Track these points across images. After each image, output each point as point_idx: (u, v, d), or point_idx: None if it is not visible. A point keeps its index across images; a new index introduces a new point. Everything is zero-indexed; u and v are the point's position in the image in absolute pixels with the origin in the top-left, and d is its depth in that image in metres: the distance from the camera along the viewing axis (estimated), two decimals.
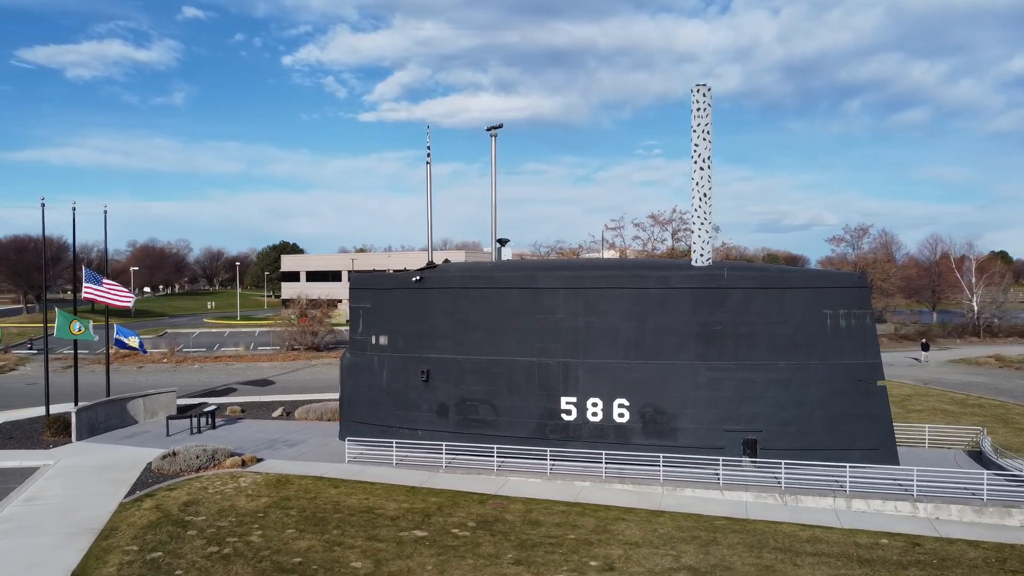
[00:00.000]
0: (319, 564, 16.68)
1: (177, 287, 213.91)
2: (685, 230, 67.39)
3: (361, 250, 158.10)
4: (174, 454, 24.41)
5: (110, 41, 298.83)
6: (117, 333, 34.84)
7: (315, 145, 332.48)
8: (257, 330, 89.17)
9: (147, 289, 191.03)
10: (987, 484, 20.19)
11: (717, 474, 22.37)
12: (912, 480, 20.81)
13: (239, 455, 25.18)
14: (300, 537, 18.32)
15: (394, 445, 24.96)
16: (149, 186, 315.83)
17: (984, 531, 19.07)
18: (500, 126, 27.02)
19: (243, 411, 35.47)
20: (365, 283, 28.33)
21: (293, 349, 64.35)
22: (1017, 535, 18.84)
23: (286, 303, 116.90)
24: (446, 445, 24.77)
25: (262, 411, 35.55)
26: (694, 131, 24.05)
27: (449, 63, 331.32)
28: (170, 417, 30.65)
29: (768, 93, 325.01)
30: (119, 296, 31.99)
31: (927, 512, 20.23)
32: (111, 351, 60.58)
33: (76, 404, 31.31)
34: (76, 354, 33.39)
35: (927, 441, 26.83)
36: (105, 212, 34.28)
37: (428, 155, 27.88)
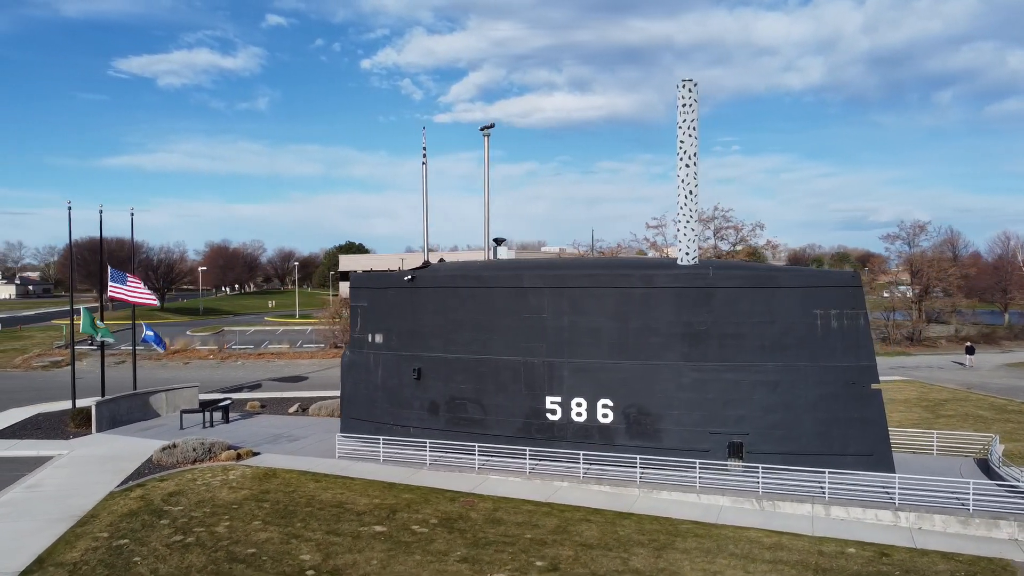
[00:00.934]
0: (270, 555, 17.15)
1: (251, 286, 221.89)
2: (728, 228, 66.08)
3: (454, 249, 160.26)
4: (174, 446, 25.41)
5: (199, 50, 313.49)
6: (146, 330, 36.41)
7: (392, 147, 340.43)
8: (309, 328, 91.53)
9: (225, 288, 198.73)
10: (973, 494, 19.16)
11: (696, 477, 21.90)
12: (894, 487, 19.92)
13: (237, 448, 26.02)
14: (263, 529, 18.86)
15: (381, 442, 25.36)
16: (234, 189, 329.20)
17: (966, 543, 18.11)
18: (492, 126, 27.11)
19: (263, 406, 36.59)
20: (363, 282, 28.83)
21: (336, 347, 65.85)
22: (1001, 548, 17.83)
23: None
24: (430, 443, 24.98)
25: (281, 407, 36.59)
26: (680, 127, 23.59)
27: (523, 63, 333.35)
28: (184, 411, 31.85)
29: (852, 86, 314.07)
30: (142, 295, 33.45)
31: (909, 522, 19.35)
32: (168, 348, 63.35)
33: (103, 396, 32.97)
34: (103, 351, 35.02)
35: (935, 448, 25.59)
36: (132, 215, 35.96)
37: (424, 155, 28.19)
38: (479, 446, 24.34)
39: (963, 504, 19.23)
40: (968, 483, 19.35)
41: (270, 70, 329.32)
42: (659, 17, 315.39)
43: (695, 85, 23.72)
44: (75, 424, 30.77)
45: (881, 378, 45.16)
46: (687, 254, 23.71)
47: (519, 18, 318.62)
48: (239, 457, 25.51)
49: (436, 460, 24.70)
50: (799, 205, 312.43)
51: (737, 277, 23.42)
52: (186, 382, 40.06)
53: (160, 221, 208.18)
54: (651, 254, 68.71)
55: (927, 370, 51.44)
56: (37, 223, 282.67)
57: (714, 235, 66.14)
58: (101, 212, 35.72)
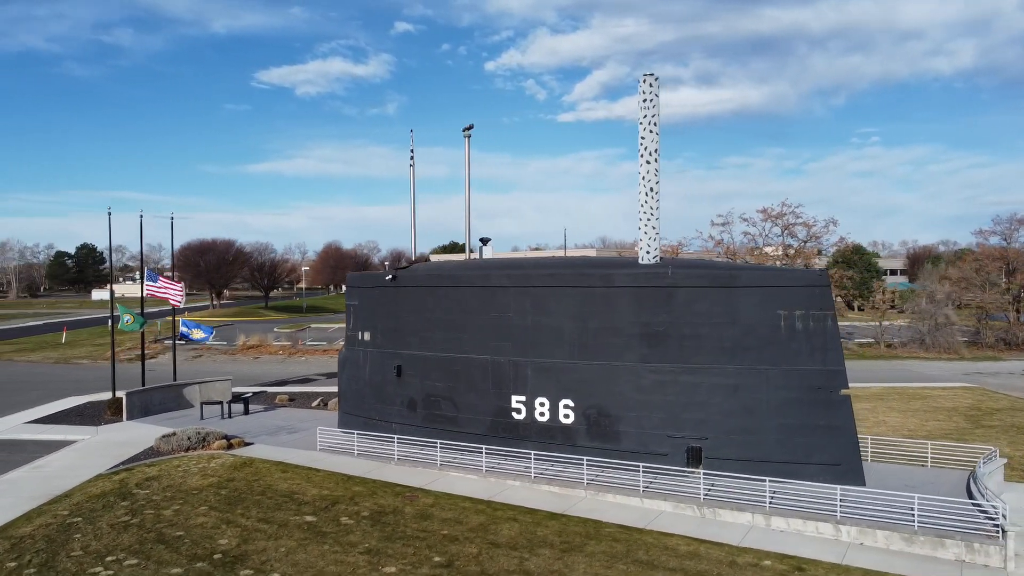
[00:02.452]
0: (193, 538, 18.25)
1: None
2: (798, 224, 63.19)
3: (536, 248, 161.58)
4: (173, 435, 27.26)
5: (332, 59, 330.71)
6: (183, 326, 39.02)
7: (516, 147, 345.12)
8: None
9: (331, 287, 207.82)
10: (918, 511, 17.78)
11: (640, 481, 21.40)
12: (836, 500, 18.76)
13: (231, 439, 27.59)
14: (206, 514, 20.04)
15: (355, 436, 26.22)
16: (365, 192, 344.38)
17: (904, 562, 16.88)
18: (471, 127, 27.37)
19: (291, 400, 38.40)
20: (355, 282, 29.81)
21: None
22: (942, 569, 16.52)
23: None
24: (399, 439, 25.59)
25: (309, 401, 38.27)
26: (640, 123, 23.10)
27: (648, 59, 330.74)
28: (204, 403, 33.94)
29: (1009, 69, 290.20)
30: (172, 293, 35.95)
31: (850, 536, 18.20)
32: (243, 343, 67.08)
33: (143, 386, 35.71)
34: (143, 344, 37.81)
35: (929, 460, 23.75)
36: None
37: (412, 159, 28.84)
38: (441, 443, 24.71)
39: (909, 521, 17.89)
40: (913, 498, 17.98)
41: (398, 76, 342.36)
42: (793, 5, 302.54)
43: (656, 80, 23.17)
44: (111, 412, 33.46)
45: (943, 384, 42.17)
46: (648, 253, 23.15)
47: (644, 13, 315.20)
48: (230, 447, 27.05)
49: (406, 456, 25.25)
50: (949, 199, 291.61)
51: (697, 276, 22.67)
52: (245, 376, 42.69)
53: (297, 224, 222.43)
54: (715, 252, 66.64)
55: (1006, 377, 47.38)
56: (190, 226, 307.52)
57: (782, 232, 63.38)
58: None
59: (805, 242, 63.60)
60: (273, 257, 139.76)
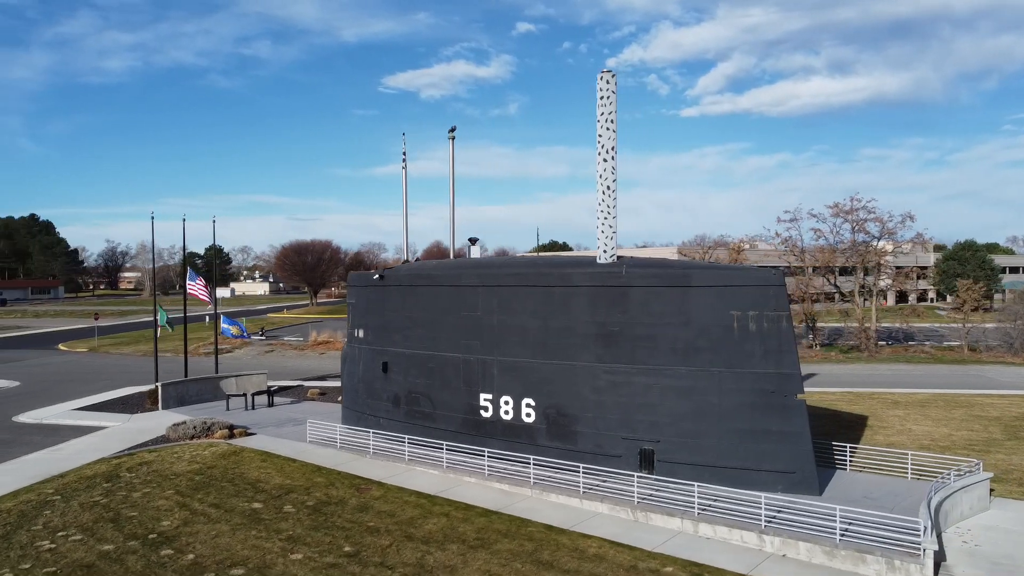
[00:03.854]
0: (141, 519, 19.72)
1: None
2: (870, 220, 59.71)
3: (643, 246, 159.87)
4: (183, 423, 29.26)
5: (456, 62, 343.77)
6: (224, 322, 41.55)
7: (637, 144, 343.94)
8: None
9: None
10: (839, 524, 16.80)
11: (579, 483, 21.21)
12: (761, 508, 17.97)
13: (236, 429, 29.31)
14: (168, 498, 21.52)
15: (338, 429, 27.28)
16: (485, 192, 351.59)
17: (821, 575, 16.07)
18: (454, 128, 27.82)
19: (322, 394, 40.14)
20: (353, 281, 30.89)
21: None
22: None
23: None
24: (374, 432, 26.42)
25: (336, 395, 39.85)
26: (598, 120, 22.84)
27: (776, 48, 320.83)
28: (229, 395, 36.06)
29: None
30: (203, 292, 38.43)
31: (774, 546, 17.43)
32: (314, 339, 70.20)
33: (186, 377, 38.39)
34: (186, 339, 40.47)
35: (909, 471, 22.20)
36: (214, 221, 41.06)
37: (404, 160, 29.61)
38: (410, 438, 25.32)
39: (832, 533, 16.94)
40: (835, 509, 17.01)
41: (520, 76, 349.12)
42: None
43: (613, 76, 22.84)
44: (150, 401, 36.17)
45: (1009, 392, 38.83)
46: (604, 251, 22.88)
47: (771, 2, 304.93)
48: (231, 436, 28.74)
49: (383, 450, 26.01)
50: None
51: (651, 276, 22.23)
52: (294, 370, 44.99)
53: (420, 224, 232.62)
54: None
55: None
56: (321, 227, 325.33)
57: (852, 229, 60.02)
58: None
59: (877, 238, 59.95)
60: (372, 257, 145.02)
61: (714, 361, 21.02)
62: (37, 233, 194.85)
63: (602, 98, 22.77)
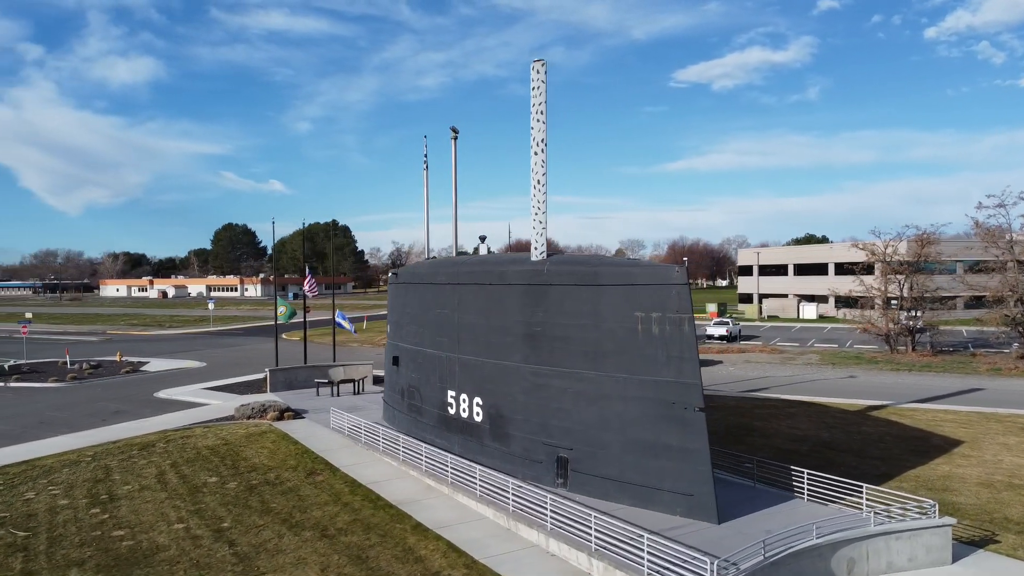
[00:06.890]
0: (112, 482, 23.17)
1: (706, 280, 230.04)
2: None
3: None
4: (247, 405, 33.22)
5: (750, 49, 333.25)
6: (338, 317, 45.60)
7: (963, 122, 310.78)
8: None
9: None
10: (647, 552, 14.81)
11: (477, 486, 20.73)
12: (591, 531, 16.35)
13: (287, 411, 32.59)
14: (156, 466, 24.92)
15: (345, 417, 29.15)
16: (784, 183, 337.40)
17: None
18: (456, 129, 28.13)
19: None
20: (391, 279, 32.56)
21: None
22: None
23: (742, 297, 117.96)
24: (365, 423, 27.81)
25: None
26: (531, 112, 22.02)
27: None
28: (318, 383, 39.67)
29: None
30: (311, 289, 42.62)
31: (599, 571, 15.89)
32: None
33: (305, 363, 43.08)
34: (305, 330, 45.08)
35: (864, 505, 18.35)
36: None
37: (425, 162, 30.63)
38: (383, 429, 26.40)
39: (648, 562, 15.00)
40: (643, 537, 15.00)
41: (821, 58, 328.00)
42: None
43: (544, 66, 21.88)
44: (265, 386, 41.19)
45: None
46: (535, 248, 22.01)
47: None
48: (281, 418, 32.02)
49: (373, 441, 27.38)
50: None
51: (566, 274, 21.00)
52: None
53: (715, 219, 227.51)
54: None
55: None
56: (611, 226, 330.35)
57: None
58: (304, 223, 46.23)
59: None
60: (631, 254, 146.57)
61: (619, 366, 19.40)
62: (334, 236, 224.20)
63: (534, 88, 21.92)
